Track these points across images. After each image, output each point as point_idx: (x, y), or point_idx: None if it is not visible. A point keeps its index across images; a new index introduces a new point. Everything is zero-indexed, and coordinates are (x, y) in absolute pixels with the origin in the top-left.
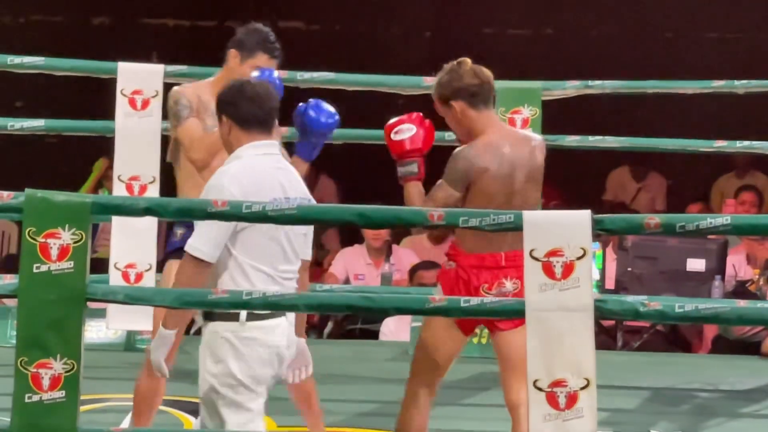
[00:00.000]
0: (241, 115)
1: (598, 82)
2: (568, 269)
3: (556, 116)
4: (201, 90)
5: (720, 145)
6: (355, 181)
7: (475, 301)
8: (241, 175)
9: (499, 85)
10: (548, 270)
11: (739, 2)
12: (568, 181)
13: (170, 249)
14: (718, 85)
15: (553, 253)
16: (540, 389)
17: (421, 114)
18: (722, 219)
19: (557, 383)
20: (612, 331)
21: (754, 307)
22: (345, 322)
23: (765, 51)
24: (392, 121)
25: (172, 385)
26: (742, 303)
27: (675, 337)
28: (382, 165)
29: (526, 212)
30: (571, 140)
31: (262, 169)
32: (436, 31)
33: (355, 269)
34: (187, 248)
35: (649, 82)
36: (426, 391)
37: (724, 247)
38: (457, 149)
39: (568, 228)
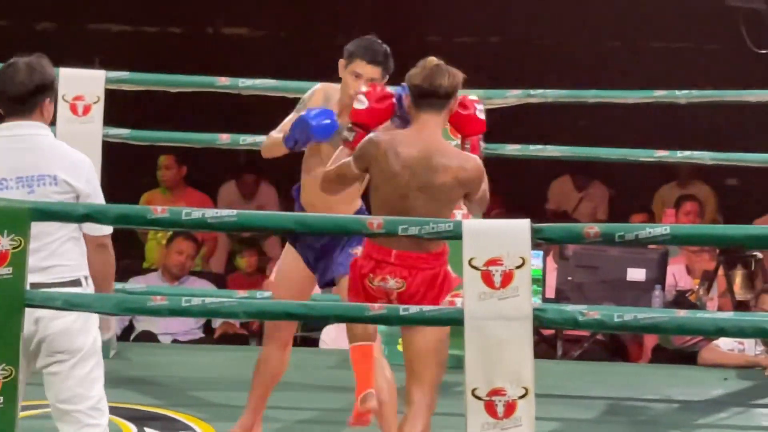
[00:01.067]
0: None
1: (539, 91)
2: (507, 278)
3: (498, 125)
4: (330, 92)
5: (661, 154)
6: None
7: (414, 309)
8: None
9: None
10: (487, 279)
11: (684, 12)
12: (509, 190)
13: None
14: (660, 94)
15: (492, 262)
16: (478, 398)
17: (385, 89)
18: (661, 229)
19: (496, 392)
20: (552, 340)
21: (693, 317)
22: None
23: (708, 61)
24: (363, 89)
25: (112, 391)
26: (681, 313)
27: (615, 346)
28: None
29: (466, 221)
30: (512, 149)
31: None
32: (381, 39)
33: None
34: None
35: (591, 92)
36: None
37: (665, 257)
38: (374, 133)
39: (507, 237)
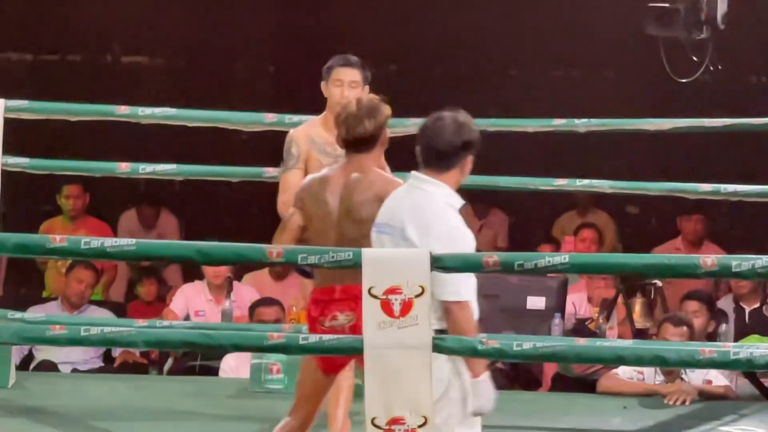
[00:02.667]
0: None
1: None
2: (406, 307)
3: (398, 155)
4: (313, 128)
5: (560, 183)
6: (196, 218)
7: (313, 338)
8: None
9: None
10: (387, 308)
11: (582, 41)
12: None
13: None
14: (559, 123)
15: (391, 290)
16: (378, 427)
17: None
18: (560, 257)
19: (395, 421)
20: None
21: (592, 345)
22: (185, 358)
23: (607, 89)
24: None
25: (11, 422)
26: (580, 341)
27: (516, 374)
28: (223, 202)
29: (366, 250)
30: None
31: None
32: (281, 66)
33: (195, 306)
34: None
35: (490, 120)
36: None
37: (564, 285)
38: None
39: (406, 266)
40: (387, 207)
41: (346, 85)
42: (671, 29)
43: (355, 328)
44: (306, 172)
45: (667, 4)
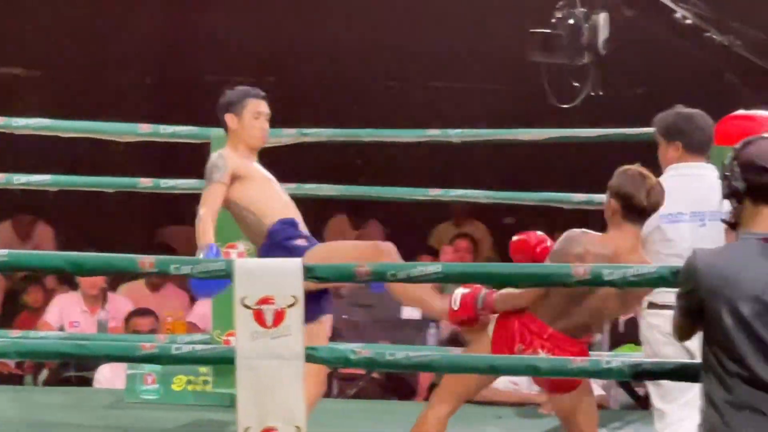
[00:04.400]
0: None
1: (313, 130)
2: (279, 317)
3: (273, 165)
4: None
5: (435, 193)
6: (72, 228)
7: (186, 348)
8: None
9: (215, 132)
10: (259, 318)
11: (460, 53)
12: None
13: None
14: (433, 133)
15: (264, 301)
16: None
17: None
18: (434, 267)
19: (268, 431)
20: (328, 379)
21: (466, 355)
22: (60, 369)
23: (482, 101)
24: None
25: None
26: (455, 351)
27: (392, 384)
28: (99, 212)
29: (238, 260)
30: (288, 188)
31: None
32: (159, 78)
33: (70, 316)
34: None
35: (365, 131)
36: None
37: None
38: None
39: (279, 276)
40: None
41: (265, 117)
42: (553, 55)
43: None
44: (246, 176)
45: (549, 30)
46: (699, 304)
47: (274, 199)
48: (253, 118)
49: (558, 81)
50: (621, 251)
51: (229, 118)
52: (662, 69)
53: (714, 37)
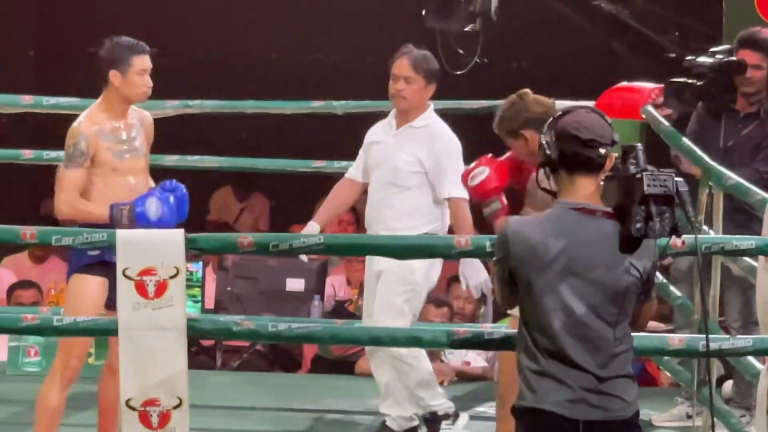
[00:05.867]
0: None
1: (197, 102)
2: (161, 288)
3: (158, 137)
4: (96, 118)
5: (318, 165)
6: None
7: (67, 320)
8: None
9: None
10: (141, 289)
11: (341, 26)
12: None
13: (83, 263)
14: (317, 105)
15: (146, 272)
16: (132, 408)
17: (490, 154)
18: (315, 239)
19: (150, 402)
20: (212, 351)
21: (348, 327)
22: None
23: (366, 73)
24: (467, 168)
25: None
26: (338, 323)
27: (276, 356)
28: None
29: (120, 231)
30: (171, 160)
31: None
32: (40, 50)
33: None
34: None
35: (249, 102)
36: None
37: (324, 267)
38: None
39: (161, 247)
40: None
41: (148, 73)
42: (449, 22)
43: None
44: (96, 163)
45: None
46: (510, 272)
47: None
48: (138, 75)
49: (450, 48)
50: None
51: (113, 75)
52: (549, 38)
53: (602, 6)
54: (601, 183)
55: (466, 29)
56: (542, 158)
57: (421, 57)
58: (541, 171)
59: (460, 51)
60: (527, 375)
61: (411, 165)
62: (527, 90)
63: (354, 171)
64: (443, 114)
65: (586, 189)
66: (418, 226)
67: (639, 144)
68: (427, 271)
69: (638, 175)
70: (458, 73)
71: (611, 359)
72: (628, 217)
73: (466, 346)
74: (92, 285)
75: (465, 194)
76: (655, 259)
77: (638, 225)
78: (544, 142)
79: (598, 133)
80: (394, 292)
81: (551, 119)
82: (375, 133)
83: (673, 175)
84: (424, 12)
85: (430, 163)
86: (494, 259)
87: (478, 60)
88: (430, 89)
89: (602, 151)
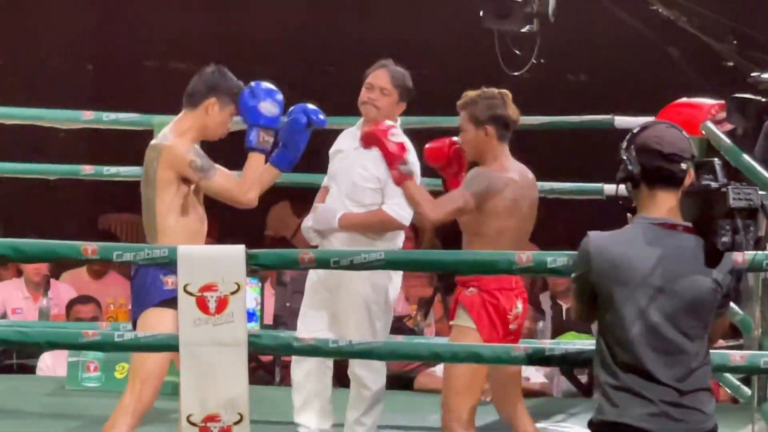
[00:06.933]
0: None
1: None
2: (222, 304)
3: (226, 153)
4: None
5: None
6: (15, 216)
7: (129, 335)
8: None
9: (158, 119)
10: (202, 305)
11: (398, 38)
12: (225, 216)
13: (160, 298)
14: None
15: (207, 287)
16: (193, 424)
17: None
18: (376, 254)
19: (210, 418)
20: (270, 366)
21: (408, 343)
22: (2, 356)
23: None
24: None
25: None
26: (397, 338)
27: (335, 372)
28: (38, 198)
29: (181, 246)
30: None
31: None
32: (97, 64)
33: (12, 303)
34: None
35: None
36: None
37: None
38: (479, 168)
39: (222, 263)
40: None
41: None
42: (507, 22)
43: (524, 316)
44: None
45: None
46: (591, 288)
47: None
48: (231, 120)
49: (508, 49)
50: (521, 172)
51: (211, 104)
52: (605, 43)
53: (660, 11)
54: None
55: (523, 30)
56: (623, 173)
57: (399, 73)
58: (621, 186)
59: (517, 52)
60: (607, 390)
61: (367, 181)
62: (509, 93)
63: (329, 179)
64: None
65: (666, 204)
66: (371, 243)
67: (716, 159)
68: (387, 290)
69: (722, 189)
70: (515, 74)
71: (691, 372)
72: (711, 232)
73: (527, 362)
74: (170, 320)
75: (405, 220)
76: (738, 272)
77: (724, 239)
78: (624, 157)
79: (679, 147)
80: (365, 320)
81: (630, 134)
82: (340, 142)
83: (757, 189)
84: (481, 13)
85: (385, 180)
86: (573, 275)
87: (534, 61)
88: (401, 107)
89: (683, 165)
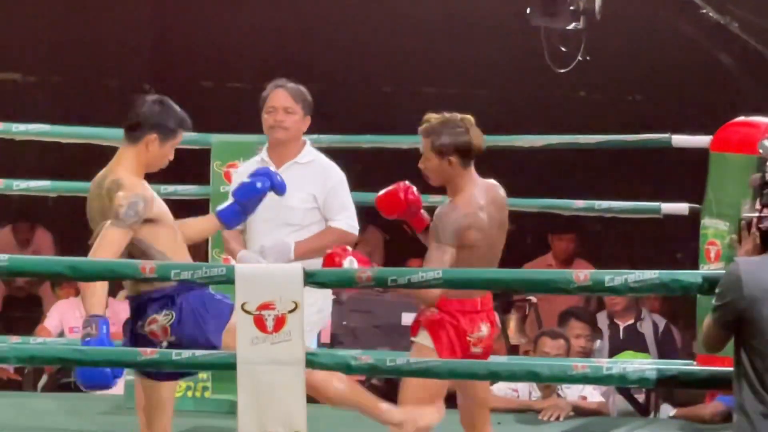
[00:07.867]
0: None
1: (314, 136)
2: (279, 323)
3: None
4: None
5: (434, 199)
6: (71, 234)
7: (186, 354)
8: None
9: (216, 138)
10: (260, 323)
11: (455, 59)
12: None
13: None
14: None
15: (264, 306)
16: None
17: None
18: (434, 273)
19: None
20: None
21: (466, 362)
22: (59, 374)
23: (480, 106)
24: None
25: None
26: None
27: (394, 391)
28: None
29: (238, 265)
30: None
31: None
32: (155, 84)
33: (70, 322)
34: None
35: (365, 137)
36: None
37: None
38: (442, 214)
39: (279, 281)
40: None
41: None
42: (554, 20)
43: (491, 338)
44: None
45: None
46: (738, 314)
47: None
48: (172, 151)
49: (554, 46)
50: (489, 195)
51: (152, 140)
52: (655, 46)
53: (710, 15)
54: None
55: (569, 27)
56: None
57: (297, 89)
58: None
59: (563, 49)
60: (752, 417)
61: (306, 202)
62: (472, 119)
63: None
64: (558, 150)
65: None
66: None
67: None
68: (321, 309)
69: None
70: (562, 71)
71: None
72: None
73: (585, 382)
74: None
75: (353, 229)
76: None
77: None
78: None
79: None
80: None
81: None
82: (248, 174)
83: None
84: (528, 10)
85: (322, 198)
86: (718, 303)
87: (581, 58)
88: (307, 121)
89: None
